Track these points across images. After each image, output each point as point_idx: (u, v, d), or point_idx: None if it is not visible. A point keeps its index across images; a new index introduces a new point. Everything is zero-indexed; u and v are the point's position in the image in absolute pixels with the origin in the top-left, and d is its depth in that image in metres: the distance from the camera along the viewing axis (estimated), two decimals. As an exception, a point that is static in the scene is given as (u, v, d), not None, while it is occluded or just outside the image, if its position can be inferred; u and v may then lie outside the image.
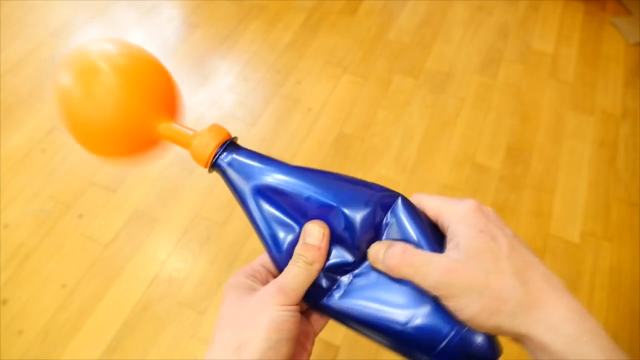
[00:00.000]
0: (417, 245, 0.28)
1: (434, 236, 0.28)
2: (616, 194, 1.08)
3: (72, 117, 0.31)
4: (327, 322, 0.32)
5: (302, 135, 1.16)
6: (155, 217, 1.01)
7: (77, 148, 1.18)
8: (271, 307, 0.26)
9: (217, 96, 1.23)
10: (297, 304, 0.27)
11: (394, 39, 1.38)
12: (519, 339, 0.25)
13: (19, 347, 0.85)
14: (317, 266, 0.28)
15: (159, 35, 1.38)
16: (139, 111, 0.31)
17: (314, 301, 0.29)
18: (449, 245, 0.27)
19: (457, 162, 1.12)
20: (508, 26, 1.42)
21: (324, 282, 0.29)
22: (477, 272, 0.24)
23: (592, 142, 1.16)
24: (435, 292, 0.25)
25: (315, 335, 0.31)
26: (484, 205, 0.28)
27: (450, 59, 1.33)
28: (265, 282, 0.30)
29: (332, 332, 0.87)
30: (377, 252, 0.28)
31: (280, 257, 0.29)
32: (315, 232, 0.28)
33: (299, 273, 0.27)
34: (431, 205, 0.29)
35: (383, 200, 0.29)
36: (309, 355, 0.30)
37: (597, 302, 0.93)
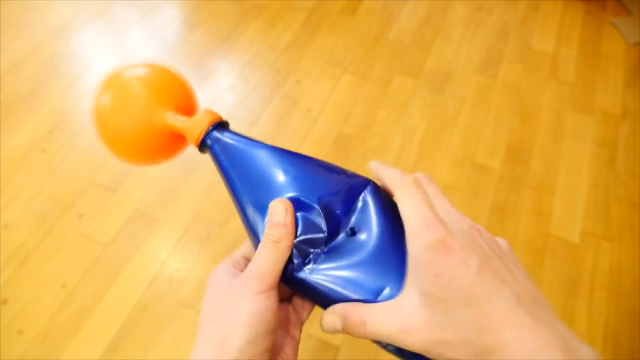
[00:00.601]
0: (378, 238, 0.28)
1: (396, 230, 0.28)
2: (616, 194, 1.08)
3: (103, 130, 0.36)
4: (312, 308, 0.32)
5: (302, 135, 1.16)
6: (155, 217, 1.01)
7: (77, 148, 1.18)
8: (247, 297, 0.26)
9: (217, 96, 1.23)
10: (273, 288, 0.27)
11: (394, 39, 1.38)
12: None
13: (19, 347, 0.85)
14: (285, 242, 0.28)
15: (159, 35, 1.38)
16: (146, 104, 0.34)
17: (286, 275, 0.29)
18: (409, 282, 0.26)
19: (457, 162, 1.12)
20: (508, 26, 1.42)
21: (295, 257, 0.29)
22: (432, 329, 0.24)
23: (592, 142, 1.16)
24: (390, 342, 0.25)
25: (302, 323, 0.31)
26: (424, 177, 0.28)
27: (450, 59, 1.33)
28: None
29: (332, 332, 0.87)
30: (333, 324, 0.27)
31: (259, 240, 0.30)
32: (278, 209, 0.28)
33: (269, 254, 0.27)
34: (385, 181, 0.29)
35: (353, 184, 0.30)
36: (297, 342, 0.30)
37: (597, 302, 0.93)
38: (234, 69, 1.30)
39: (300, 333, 0.31)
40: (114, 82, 0.35)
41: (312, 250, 0.29)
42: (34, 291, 0.91)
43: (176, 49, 1.35)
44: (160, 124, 0.34)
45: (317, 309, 0.31)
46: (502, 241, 0.27)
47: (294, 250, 0.28)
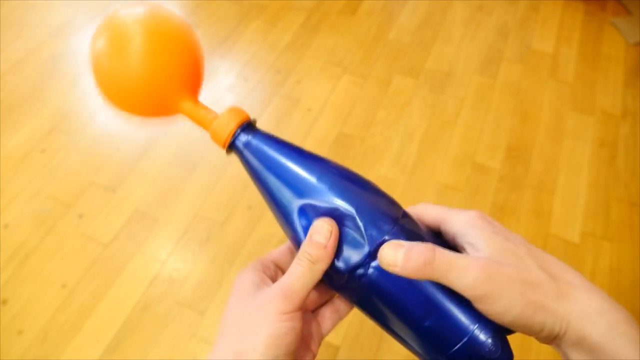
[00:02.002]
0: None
1: (445, 246, 0.27)
2: (616, 194, 1.08)
3: (107, 73, 0.32)
4: (335, 324, 0.31)
5: (302, 135, 1.16)
6: (155, 217, 1.01)
7: (77, 148, 1.18)
8: (271, 316, 0.25)
9: (217, 96, 1.23)
10: (299, 309, 0.26)
11: (394, 39, 1.38)
12: (556, 336, 0.24)
13: (19, 347, 0.85)
14: (322, 265, 0.26)
15: (159, 35, 1.38)
16: (168, 83, 0.31)
17: (338, 283, 0.27)
18: (467, 251, 0.26)
19: (457, 162, 1.12)
20: (508, 26, 1.42)
21: (354, 258, 0.27)
22: (512, 270, 0.23)
23: (592, 142, 1.16)
24: (472, 292, 0.23)
25: (322, 337, 0.30)
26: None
27: (450, 59, 1.33)
28: (274, 280, 0.29)
29: (333, 332, 0.87)
30: (394, 253, 0.25)
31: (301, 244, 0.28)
32: (323, 230, 0.26)
33: (302, 274, 0.26)
34: (432, 213, 0.28)
35: (391, 200, 0.29)
36: (314, 356, 0.29)
37: (597, 302, 0.93)
38: (234, 69, 1.30)
39: (319, 346, 0.30)
40: (131, 40, 0.31)
41: (363, 258, 0.27)
42: (34, 291, 0.91)
43: (176, 49, 1.35)
44: (172, 107, 0.32)
45: (346, 332, 0.30)
46: None
47: (343, 257, 0.27)
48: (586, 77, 1.30)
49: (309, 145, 1.14)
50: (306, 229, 0.28)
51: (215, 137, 0.30)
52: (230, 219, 1.01)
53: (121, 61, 0.31)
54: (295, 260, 0.27)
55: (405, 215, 0.29)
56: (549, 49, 1.36)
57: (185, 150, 1.11)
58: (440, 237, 0.29)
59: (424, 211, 0.29)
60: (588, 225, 1.02)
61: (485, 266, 0.23)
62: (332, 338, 0.86)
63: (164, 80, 0.31)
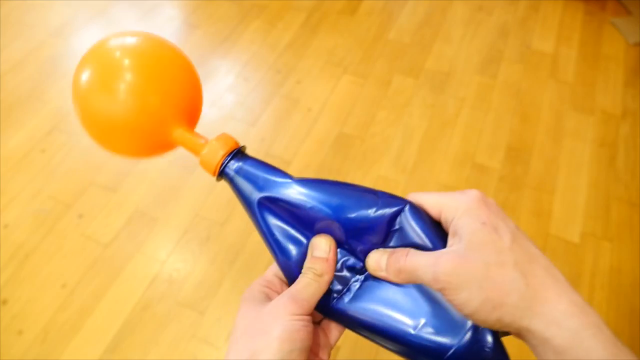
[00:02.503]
0: (426, 250, 0.28)
1: (442, 238, 0.28)
2: (616, 194, 1.07)
3: (92, 113, 0.31)
4: (341, 333, 0.31)
5: (302, 135, 1.16)
6: (155, 217, 1.01)
7: (77, 148, 1.18)
8: (283, 316, 0.26)
9: (217, 96, 1.23)
10: (309, 314, 0.27)
11: (394, 39, 1.38)
12: (520, 333, 0.25)
13: (19, 347, 0.85)
14: (327, 277, 0.28)
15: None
16: (160, 117, 0.31)
17: (324, 305, 0.29)
18: (452, 240, 0.26)
19: (457, 162, 1.12)
20: (508, 26, 1.42)
21: (334, 286, 0.29)
22: (477, 264, 0.24)
23: (592, 142, 1.16)
24: (436, 286, 0.25)
25: (331, 347, 0.31)
26: (487, 196, 0.28)
27: (450, 59, 1.33)
28: (279, 292, 0.30)
29: (332, 332, 0.87)
30: (378, 260, 0.28)
31: (289, 268, 0.29)
32: (322, 245, 0.29)
33: (309, 284, 0.28)
34: (432, 202, 0.29)
35: (390, 206, 0.29)
36: None
37: (597, 302, 0.93)
38: (234, 69, 1.30)
39: (329, 357, 0.31)
40: (116, 70, 0.29)
41: (350, 279, 0.29)
42: (34, 291, 0.91)
43: (176, 49, 1.35)
44: (164, 138, 0.31)
45: (346, 333, 0.31)
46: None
47: (334, 280, 0.29)
48: (586, 77, 1.30)
49: (309, 145, 1.14)
50: (298, 256, 0.29)
51: (204, 165, 0.31)
52: (230, 219, 1.00)
53: (112, 99, 0.29)
54: (302, 274, 0.29)
55: (403, 211, 0.29)
56: (549, 49, 1.36)
57: (185, 150, 1.10)
58: (440, 227, 0.29)
59: (426, 201, 0.29)
60: (588, 225, 1.02)
61: (447, 261, 0.25)
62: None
63: (160, 115, 0.31)
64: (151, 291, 0.92)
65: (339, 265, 0.29)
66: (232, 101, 1.22)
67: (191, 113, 0.33)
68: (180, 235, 0.99)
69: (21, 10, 1.42)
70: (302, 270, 0.29)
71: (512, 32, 1.41)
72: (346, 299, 0.29)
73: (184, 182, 1.06)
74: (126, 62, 0.30)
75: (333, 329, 0.31)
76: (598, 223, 1.03)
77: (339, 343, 0.85)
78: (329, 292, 0.29)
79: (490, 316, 0.24)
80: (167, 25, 1.41)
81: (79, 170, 1.08)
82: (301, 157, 1.12)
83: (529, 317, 0.23)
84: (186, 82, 0.32)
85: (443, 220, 0.28)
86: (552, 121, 1.20)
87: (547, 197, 1.07)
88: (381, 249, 0.29)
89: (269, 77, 1.28)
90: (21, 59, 1.29)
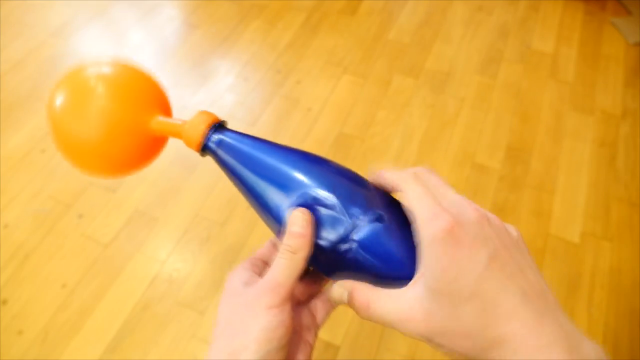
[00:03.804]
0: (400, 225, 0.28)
1: (408, 255, 0.28)
2: (616, 194, 1.08)
3: (69, 141, 0.33)
4: (329, 313, 0.31)
5: (302, 135, 1.16)
6: (155, 217, 1.01)
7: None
8: (260, 312, 0.26)
9: (217, 96, 1.23)
10: (286, 301, 0.27)
11: (394, 39, 1.38)
12: None
13: (19, 347, 0.85)
14: (302, 254, 0.28)
15: (159, 35, 1.38)
16: (126, 113, 0.32)
17: (333, 246, 0.29)
18: (418, 273, 0.26)
19: (457, 162, 1.12)
20: (508, 26, 1.42)
21: (336, 234, 0.29)
22: (432, 321, 0.24)
23: (592, 142, 1.17)
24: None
25: (318, 327, 0.31)
26: (422, 171, 0.28)
27: (450, 59, 1.33)
28: (262, 276, 0.30)
29: (332, 332, 0.87)
30: (340, 296, 0.28)
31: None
32: (298, 220, 0.28)
33: (285, 265, 0.27)
34: (388, 181, 0.28)
35: (362, 179, 0.30)
36: (312, 347, 0.30)
37: (597, 302, 0.93)
38: (234, 69, 1.30)
39: (316, 337, 0.30)
40: (79, 82, 0.32)
41: (341, 236, 0.28)
42: (34, 291, 0.91)
43: (176, 49, 1.35)
44: (141, 129, 0.32)
45: (347, 332, 0.30)
46: (512, 229, 0.26)
47: (326, 234, 0.28)
48: (586, 77, 1.30)
49: (308, 145, 1.14)
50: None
51: (187, 141, 0.31)
52: (230, 219, 1.00)
53: (82, 121, 0.31)
54: (278, 255, 0.28)
55: (370, 187, 0.30)
56: (549, 49, 1.36)
57: (185, 150, 1.10)
58: (400, 207, 0.29)
59: (383, 178, 0.29)
60: (588, 225, 1.02)
61: (406, 319, 0.25)
62: (332, 338, 0.86)
63: (130, 113, 0.32)
64: (151, 291, 0.92)
65: (322, 233, 0.29)
66: (232, 101, 1.22)
67: (158, 101, 0.34)
68: (180, 235, 0.99)
69: (21, 10, 1.42)
70: (279, 249, 0.28)
71: (512, 32, 1.41)
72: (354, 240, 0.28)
73: (184, 182, 1.06)
74: (96, 81, 0.32)
75: (320, 309, 0.31)
76: (598, 223, 1.03)
77: (338, 343, 0.85)
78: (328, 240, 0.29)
79: (454, 354, 0.24)
80: (167, 25, 1.41)
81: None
82: (301, 157, 1.12)
83: (490, 355, 0.23)
84: (137, 78, 0.34)
85: (411, 223, 0.27)
86: (552, 121, 1.20)
87: (547, 197, 1.07)
88: (340, 284, 0.28)
89: (269, 77, 1.28)
90: (21, 59, 1.29)
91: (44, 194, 1.04)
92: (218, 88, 1.25)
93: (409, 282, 0.26)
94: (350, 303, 0.27)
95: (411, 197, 0.26)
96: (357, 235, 0.28)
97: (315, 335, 0.31)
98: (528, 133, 1.18)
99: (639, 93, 1.26)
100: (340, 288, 0.28)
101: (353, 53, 1.34)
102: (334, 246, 0.28)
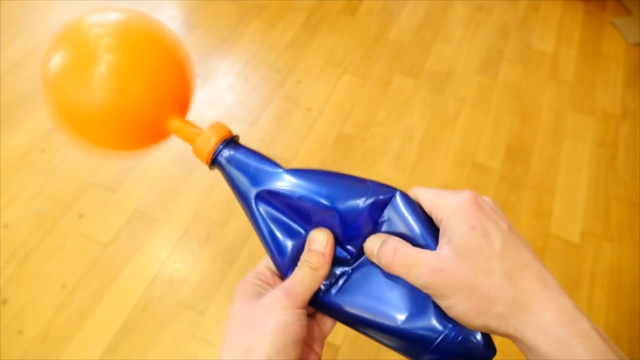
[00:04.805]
0: (414, 240, 0.28)
1: (431, 231, 0.28)
2: (616, 194, 1.07)
3: (74, 103, 0.29)
4: (334, 324, 0.32)
5: (302, 135, 1.16)
6: (155, 217, 1.01)
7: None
8: (277, 310, 0.26)
9: (217, 96, 1.23)
10: (303, 307, 0.28)
11: (394, 39, 1.38)
12: (509, 338, 0.25)
13: (19, 347, 0.85)
14: (322, 272, 0.28)
15: (159, 35, 1.38)
16: (158, 107, 0.30)
17: (313, 299, 0.29)
18: (442, 241, 0.26)
19: (457, 162, 1.12)
20: (508, 26, 1.42)
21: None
22: (466, 272, 0.24)
23: (592, 142, 1.16)
24: (425, 291, 0.26)
25: (324, 338, 0.31)
26: (480, 196, 0.28)
27: (450, 59, 1.33)
28: (271, 284, 0.30)
29: (333, 332, 0.86)
30: (372, 247, 0.28)
31: (282, 261, 0.29)
32: (320, 239, 0.29)
33: (305, 278, 0.28)
34: (427, 197, 0.29)
35: (379, 195, 0.29)
36: (319, 358, 0.30)
37: (597, 302, 0.93)
38: (234, 69, 1.30)
39: (322, 348, 0.31)
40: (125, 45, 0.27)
41: (338, 271, 0.29)
42: (34, 291, 0.91)
43: (176, 49, 1.35)
44: (159, 128, 0.31)
45: (347, 332, 0.31)
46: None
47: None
48: (586, 77, 1.30)
49: (308, 145, 1.14)
50: (289, 248, 0.30)
51: (197, 153, 0.31)
52: (230, 219, 1.00)
53: (92, 86, 0.27)
54: (297, 267, 0.29)
55: (393, 199, 0.30)
56: (549, 49, 1.36)
57: (185, 150, 1.10)
58: (432, 221, 0.29)
59: (417, 194, 0.30)
60: (588, 225, 1.02)
61: (436, 270, 0.25)
62: (332, 338, 0.86)
63: (158, 105, 0.29)
64: (151, 291, 0.92)
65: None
66: (232, 101, 1.22)
67: (186, 100, 0.32)
68: (180, 235, 0.99)
69: (21, 10, 1.42)
70: (299, 264, 0.29)
71: (512, 32, 1.41)
72: (333, 291, 0.29)
73: (184, 182, 1.06)
74: (109, 42, 0.27)
75: (326, 320, 0.31)
76: (598, 223, 1.03)
77: (338, 343, 0.85)
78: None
79: (475, 322, 0.24)
80: (167, 25, 1.40)
81: (78, 170, 1.08)
82: (301, 157, 1.12)
83: (514, 325, 0.23)
84: (180, 66, 0.31)
85: (434, 217, 0.29)
86: (552, 121, 1.20)
87: (547, 197, 1.07)
88: (379, 235, 0.28)
89: (269, 77, 1.28)
90: (21, 59, 1.29)
91: (44, 194, 1.04)
92: (218, 88, 1.25)
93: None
94: (380, 251, 0.27)
95: (427, 191, 0.29)
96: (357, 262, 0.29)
97: (322, 345, 0.31)
98: (528, 133, 1.18)
99: (639, 93, 1.26)
100: (376, 237, 0.28)
101: (353, 53, 1.34)
102: (332, 282, 0.29)
